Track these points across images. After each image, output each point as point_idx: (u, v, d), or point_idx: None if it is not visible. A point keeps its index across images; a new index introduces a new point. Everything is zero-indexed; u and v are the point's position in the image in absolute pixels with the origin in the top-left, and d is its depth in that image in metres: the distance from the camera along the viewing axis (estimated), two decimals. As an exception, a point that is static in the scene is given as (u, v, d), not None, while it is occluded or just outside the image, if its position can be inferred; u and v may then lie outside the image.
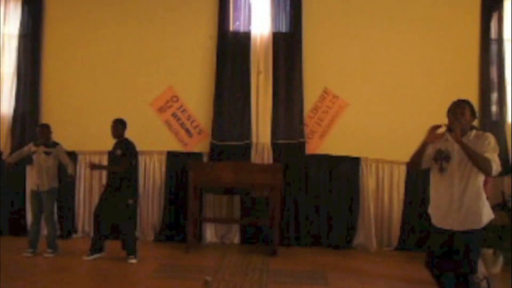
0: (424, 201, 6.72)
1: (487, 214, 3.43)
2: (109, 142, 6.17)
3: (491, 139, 3.36)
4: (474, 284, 3.52)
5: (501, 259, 5.89)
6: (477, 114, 6.44)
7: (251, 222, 7.10)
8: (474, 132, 3.44)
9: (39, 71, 7.35)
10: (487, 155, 3.26)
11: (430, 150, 3.51)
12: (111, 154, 6.22)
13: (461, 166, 3.37)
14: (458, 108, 3.42)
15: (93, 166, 6.29)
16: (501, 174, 6.74)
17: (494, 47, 7.09)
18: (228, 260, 6.15)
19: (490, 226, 5.85)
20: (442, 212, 3.47)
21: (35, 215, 6.14)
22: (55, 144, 6.19)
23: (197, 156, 7.20)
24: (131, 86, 7.27)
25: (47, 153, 6.11)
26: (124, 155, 5.95)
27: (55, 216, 6.22)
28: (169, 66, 7.29)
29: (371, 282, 5.31)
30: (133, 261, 5.88)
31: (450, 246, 3.43)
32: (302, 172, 7.17)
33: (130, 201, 6.00)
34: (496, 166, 3.27)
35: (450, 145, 3.41)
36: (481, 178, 3.40)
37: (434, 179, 3.56)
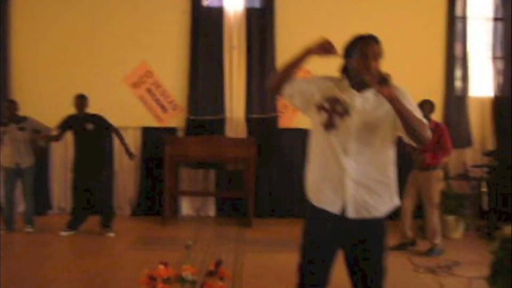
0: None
1: (394, 200, 2.42)
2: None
3: (410, 96, 2.37)
4: None
5: (462, 226, 6.27)
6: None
7: (227, 194, 7.29)
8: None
9: (8, 47, 7.22)
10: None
11: (313, 90, 2.40)
12: (80, 128, 6.12)
13: (363, 130, 2.33)
14: (370, 48, 2.33)
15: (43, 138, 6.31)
16: (463, 146, 7.13)
17: (459, 25, 7.38)
18: (205, 231, 6.36)
19: (452, 194, 6.31)
20: (327, 187, 2.36)
21: (9, 192, 6.14)
22: (25, 118, 6.16)
23: (172, 131, 7.30)
24: (104, 62, 7.23)
25: (21, 129, 6.09)
26: (97, 129, 6.05)
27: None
28: (142, 41, 7.27)
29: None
30: (111, 234, 6.01)
31: (338, 240, 2.39)
32: (275, 145, 7.37)
33: (105, 172, 6.16)
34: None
35: (350, 97, 2.35)
36: (392, 149, 2.43)
37: (317, 136, 2.42)
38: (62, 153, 7.31)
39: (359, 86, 2.33)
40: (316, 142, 2.44)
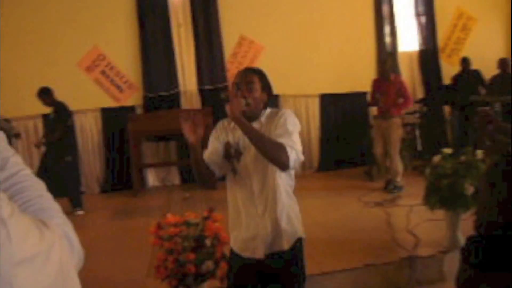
0: (337, 125, 7.94)
1: (299, 227, 2.34)
2: (43, 106, 6.44)
3: (287, 116, 2.25)
4: None
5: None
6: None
7: (189, 162, 7.77)
8: (267, 112, 2.34)
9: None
10: (282, 140, 2.15)
11: (218, 147, 2.35)
12: (46, 118, 6.60)
13: (258, 161, 2.24)
14: (244, 80, 2.29)
15: (37, 144, 6.67)
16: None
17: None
18: (176, 197, 6.88)
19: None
20: (246, 234, 2.30)
21: None
22: None
23: (130, 109, 7.66)
24: (56, 49, 7.42)
25: None
26: (56, 120, 6.28)
27: None
28: (91, 26, 7.49)
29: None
30: (80, 212, 6.28)
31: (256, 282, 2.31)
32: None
33: (68, 158, 6.38)
34: (295, 154, 2.15)
35: (241, 134, 2.25)
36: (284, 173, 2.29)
37: (230, 186, 2.39)
38: (25, 144, 7.50)
39: (248, 119, 2.22)
40: (230, 189, 2.39)
